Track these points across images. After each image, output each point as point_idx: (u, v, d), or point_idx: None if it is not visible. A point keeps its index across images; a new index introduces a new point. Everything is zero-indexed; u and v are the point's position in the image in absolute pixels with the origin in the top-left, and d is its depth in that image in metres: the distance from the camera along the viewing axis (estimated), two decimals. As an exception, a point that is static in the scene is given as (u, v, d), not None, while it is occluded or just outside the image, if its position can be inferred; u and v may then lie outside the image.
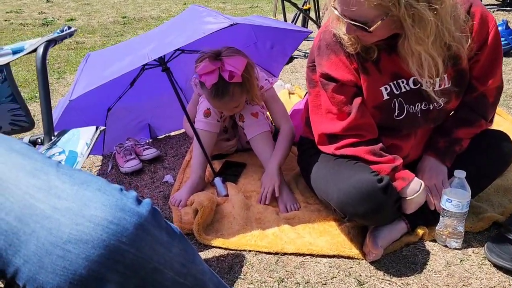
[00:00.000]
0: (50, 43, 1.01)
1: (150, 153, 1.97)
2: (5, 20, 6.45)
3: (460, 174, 1.29)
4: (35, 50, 1.01)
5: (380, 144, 1.31)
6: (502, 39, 3.11)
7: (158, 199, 1.71)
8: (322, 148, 1.40)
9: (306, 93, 2.34)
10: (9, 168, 0.64)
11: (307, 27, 3.97)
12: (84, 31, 5.44)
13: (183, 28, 1.35)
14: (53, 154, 0.94)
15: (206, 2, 8.24)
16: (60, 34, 1.04)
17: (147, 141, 2.10)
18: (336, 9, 1.14)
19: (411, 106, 1.31)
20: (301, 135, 1.63)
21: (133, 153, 1.95)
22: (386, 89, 1.29)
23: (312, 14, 4.00)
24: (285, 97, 2.57)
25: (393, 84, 1.29)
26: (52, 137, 0.97)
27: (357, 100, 1.29)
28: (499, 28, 3.10)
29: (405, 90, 1.29)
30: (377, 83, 1.28)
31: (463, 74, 1.30)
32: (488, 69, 1.32)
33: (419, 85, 1.28)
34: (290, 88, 2.66)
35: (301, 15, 3.76)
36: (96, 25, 6.07)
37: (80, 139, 0.96)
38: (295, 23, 3.77)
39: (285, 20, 3.55)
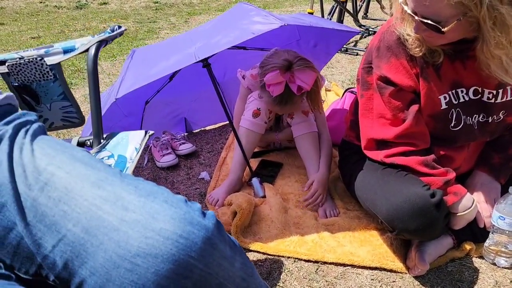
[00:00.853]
0: (101, 43, 1.00)
1: (186, 148, 1.96)
2: (40, 2, 6.53)
3: (515, 190, 1.23)
4: (86, 50, 0.99)
5: (433, 156, 1.25)
6: None
7: (194, 196, 1.69)
8: (369, 153, 1.34)
9: (345, 91, 2.29)
10: (74, 178, 0.63)
11: (343, 19, 3.88)
12: (117, 16, 5.46)
13: (231, 27, 1.31)
14: (102, 158, 0.93)
15: (238, -11, 8.16)
16: (111, 34, 1.02)
17: (183, 135, 2.09)
18: (406, 4, 1.07)
19: (468, 118, 1.25)
20: (344, 139, 1.58)
21: (170, 147, 1.94)
22: (445, 98, 1.22)
23: (349, 7, 3.90)
24: (321, 93, 2.51)
25: (452, 93, 1.22)
26: (101, 140, 0.96)
27: (414, 107, 1.22)
28: None
29: (463, 100, 1.22)
30: (436, 91, 1.21)
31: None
32: None
33: (479, 96, 1.22)
34: (326, 85, 2.60)
35: (338, 7, 3.66)
36: (128, 10, 6.08)
37: (129, 143, 0.95)
38: (331, 16, 3.68)
39: (322, 12, 3.46)
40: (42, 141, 0.70)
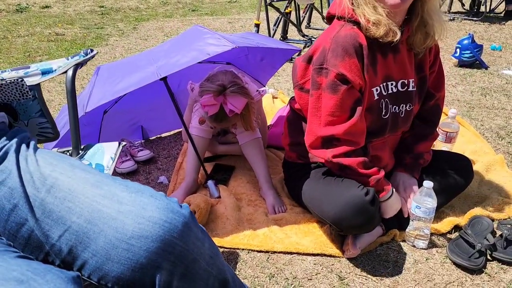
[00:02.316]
0: (77, 66, 1.13)
1: (144, 154, 2.09)
2: (-23, 5, 6.28)
3: (428, 184, 1.49)
4: (64, 72, 1.12)
5: (366, 158, 1.46)
6: (467, 51, 3.37)
7: (154, 199, 1.84)
8: (314, 152, 1.45)
9: (291, 99, 2.50)
10: (75, 181, 0.79)
11: (287, 29, 4.14)
12: (62, 21, 5.39)
13: (187, 48, 1.47)
14: (81, 167, 1.06)
15: (185, -6, 8.23)
16: (85, 58, 1.15)
17: (141, 142, 2.21)
18: None
19: (395, 107, 1.48)
20: (286, 159, 1.74)
21: (128, 154, 2.07)
22: (376, 90, 1.43)
23: (293, 17, 4.16)
24: (268, 101, 2.73)
25: (383, 85, 1.45)
26: (80, 151, 1.09)
27: (360, 106, 1.39)
28: (465, 42, 3.38)
29: (391, 92, 1.46)
30: (371, 84, 1.42)
31: (424, 81, 1.55)
32: (441, 78, 1.61)
33: (406, 87, 1.48)
34: (273, 93, 2.82)
35: (282, 18, 3.91)
36: (73, 14, 6.00)
37: (105, 153, 1.09)
38: (277, 26, 3.92)
39: (268, 22, 3.69)
40: (43, 152, 0.85)
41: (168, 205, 0.79)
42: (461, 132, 2.23)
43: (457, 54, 3.44)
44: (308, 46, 4.08)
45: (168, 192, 1.87)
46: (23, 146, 0.86)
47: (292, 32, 4.41)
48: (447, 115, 2.07)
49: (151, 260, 0.74)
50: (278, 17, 3.90)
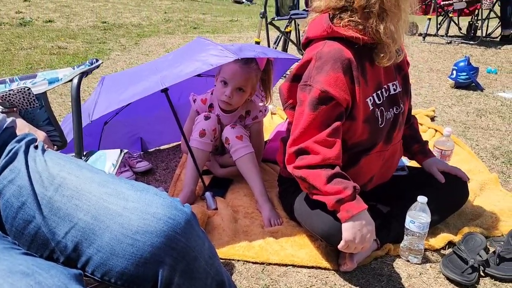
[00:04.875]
0: (83, 74, 1.16)
1: (142, 165, 2.11)
2: (-19, 18, 6.37)
3: (422, 199, 1.52)
4: (70, 81, 1.15)
5: (337, 168, 1.37)
6: (463, 73, 3.44)
7: (152, 209, 1.85)
8: (288, 168, 1.44)
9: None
10: (83, 180, 0.82)
11: (287, 48, 4.21)
12: (65, 35, 5.47)
13: (191, 59, 1.51)
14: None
15: (186, 12, 8.39)
16: (91, 67, 1.19)
17: (140, 154, 2.24)
18: None
19: (387, 112, 1.51)
20: (281, 174, 1.77)
21: (127, 165, 2.09)
22: (370, 100, 1.45)
23: (293, 36, 4.24)
24: (267, 117, 2.76)
25: (377, 94, 1.46)
26: (82, 157, 1.12)
27: (338, 123, 1.38)
28: (462, 64, 3.45)
29: (383, 99, 1.48)
30: (365, 95, 1.43)
31: (406, 79, 1.61)
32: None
33: (390, 91, 1.51)
34: (272, 109, 2.86)
35: (282, 37, 3.99)
36: (75, 29, 6.09)
37: (107, 160, 1.12)
38: (277, 44, 4.00)
39: (268, 41, 3.76)
40: (51, 154, 0.88)
41: (172, 202, 0.81)
42: (456, 151, 2.26)
43: (454, 76, 3.51)
44: (307, 65, 4.15)
45: (165, 203, 1.88)
46: (32, 148, 0.89)
47: (292, 50, 4.49)
48: (442, 134, 2.11)
49: (154, 255, 0.76)
50: (278, 36, 3.98)
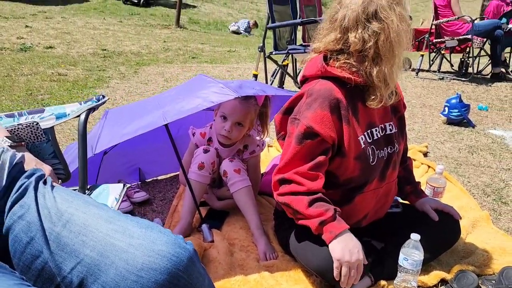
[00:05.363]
0: (90, 110, 1.21)
1: (140, 196, 2.14)
2: (-18, 42, 6.45)
3: (415, 237, 1.55)
4: (77, 116, 1.20)
5: (318, 194, 1.42)
6: (455, 110, 3.53)
7: (148, 241, 1.86)
8: (274, 194, 1.50)
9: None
10: (90, 217, 0.85)
11: (284, 80, 4.32)
12: (65, 62, 5.55)
13: (192, 96, 1.56)
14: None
15: (185, 41, 8.55)
16: (98, 103, 1.24)
17: (137, 184, 2.26)
18: None
19: (380, 151, 1.55)
20: (276, 207, 1.81)
21: (125, 195, 2.11)
22: (362, 138, 1.50)
23: (290, 69, 4.35)
24: (264, 150, 2.81)
25: (368, 133, 1.51)
26: (86, 191, 1.15)
27: (321, 157, 1.43)
28: (453, 101, 3.54)
29: (376, 138, 1.53)
30: (356, 133, 1.48)
31: (402, 121, 1.67)
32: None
33: (385, 131, 1.56)
34: (269, 141, 2.91)
35: (280, 69, 4.09)
36: (75, 56, 6.18)
37: (110, 194, 1.15)
38: (274, 77, 4.09)
39: (266, 73, 3.85)
40: (59, 190, 0.91)
41: (175, 240, 0.84)
42: (448, 188, 2.30)
43: (446, 112, 3.60)
44: (303, 98, 4.24)
45: (162, 234, 1.90)
46: (41, 184, 0.92)
47: (288, 83, 4.59)
48: (434, 170, 2.16)
49: None
50: (276, 69, 4.08)
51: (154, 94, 4.26)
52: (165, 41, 8.27)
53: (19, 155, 0.97)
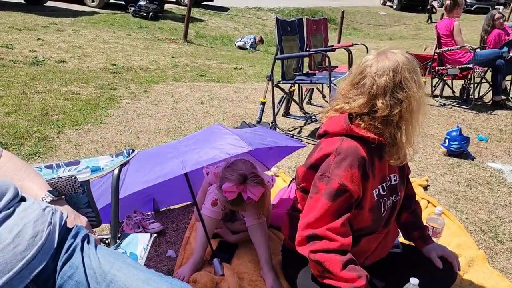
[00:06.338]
0: (123, 165, 1.34)
1: (155, 227, 2.26)
2: (-4, 55, 6.60)
3: (414, 281, 1.66)
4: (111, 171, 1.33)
5: (349, 255, 1.51)
6: (455, 143, 3.65)
7: (163, 273, 1.98)
8: (299, 249, 1.56)
9: (292, 180, 2.73)
10: (130, 277, 0.98)
11: (290, 106, 4.45)
12: (77, 79, 5.69)
13: (209, 146, 1.70)
14: (117, 254, 1.24)
15: (192, 57, 8.71)
16: (129, 158, 1.37)
17: (151, 214, 2.39)
18: None
19: (388, 201, 1.68)
20: (285, 246, 1.91)
21: (140, 226, 2.23)
22: (375, 191, 1.62)
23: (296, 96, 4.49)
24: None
25: (382, 186, 1.64)
26: (117, 240, 1.27)
27: (349, 212, 1.55)
28: (454, 133, 3.67)
29: (387, 190, 1.66)
30: (371, 187, 1.60)
31: (403, 170, 1.79)
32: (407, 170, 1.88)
33: (391, 182, 1.68)
34: (275, 171, 3.03)
35: (286, 97, 4.23)
36: (86, 71, 6.33)
37: (138, 243, 1.27)
38: (281, 104, 4.23)
39: (273, 101, 3.98)
40: (102, 250, 1.04)
41: None
42: (447, 224, 2.42)
43: (446, 144, 3.72)
44: (308, 123, 4.37)
45: (176, 266, 2.02)
46: (85, 244, 1.05)
47: (294, 107, 4.73)
48: (434, 205, 2.27)
49: None
50: (283, 96, 4.22)
51: (164, 116, 4.40)
52: (173, 57, 8.42)
53: (64, 214, 1.09)
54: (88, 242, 1.06)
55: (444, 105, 5.61)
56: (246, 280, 1.97)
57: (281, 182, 2.96)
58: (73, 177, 1.27)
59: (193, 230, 2.31)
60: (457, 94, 6.09)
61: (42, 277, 0.96)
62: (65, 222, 1.09)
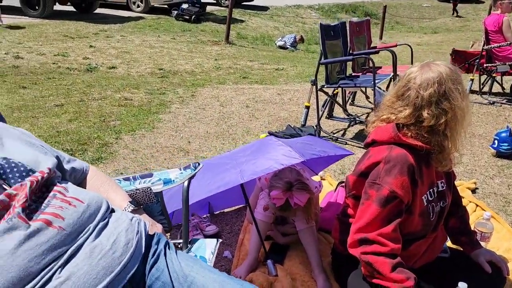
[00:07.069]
0: (191, 178, 1.50)
1: (211, 229, 2.43)
2: (54, 63, 7.05)
3: (462, 285, 1.72)
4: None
5: (398, 258, 1.58)
6: (505, 144, 3.61)
7: (221, 272, 2.15)
8: (351, 251, 1.65)
9: (338, 184, 2.82)
10: (207, 279, 1.13)
11: (333, 108, 4.52)
12: (129, 85, 6.00)
13: (264, 157, 1.84)
14: (189, 258, 1.40)
15: (235, 59, 8.91)
16: (196, 171, 1.53)
17: (208, 216, 2.56)
18: None
19: (437, 207, 1.75)
20: (335, 249, 2.00)
21: (198, 228, 2.41)
22: (425, 197, 1.70)
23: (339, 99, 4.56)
24: (317, 183, 3.05)
25: (430, 192, 1.71)
26: (188, 245, 1.44)
27: (399, 218, 1.63)
28: (503, 134, 3.62)
29: (435, 195, 1.73)
30: (421, 193, 1.68)
31: (450, 177, 1.85)
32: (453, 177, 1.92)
33: (439, 188, 1.75)
34: (321, 175, 3.14)
35: (330, 100, 4.31)
36: (136, 76, 6.66)
37: (207, 248, 1.43)
38: (325, 108, 4.32)
39: (318, 104, 4.07)
40: (182, 255, 1.20)
41: None
42: (496, 228, 2.44)
43: (495, 145, 3.68)
44: (352, 125, 4.43)
45: (232, 266, 2.18)
46: (167, 250, 1.21)
47: (337, 108, 4.79)
48: (482, 209, 2.29)
49: None
50: (326, 99, 4.30)
51: (212, 120, 4.59)
52: (216, 59, 8.65)
53: (147, 224, 1.26)
54: (169, 248, 1.22)
55: (493, 103, 5.47)
56: (298, 281, 2.09)
57: (328, 185, 3.05)
58: (148, 189, 1.44)
59: (246, 232, 2.46)
60: (507, 91, 5.92)
61: (135, 278, 1.12)
62: (148, 230, 1.26)
